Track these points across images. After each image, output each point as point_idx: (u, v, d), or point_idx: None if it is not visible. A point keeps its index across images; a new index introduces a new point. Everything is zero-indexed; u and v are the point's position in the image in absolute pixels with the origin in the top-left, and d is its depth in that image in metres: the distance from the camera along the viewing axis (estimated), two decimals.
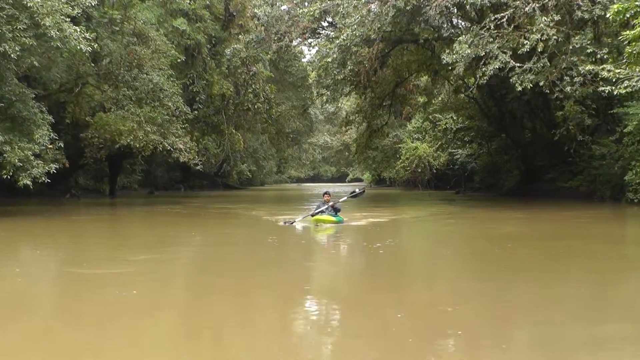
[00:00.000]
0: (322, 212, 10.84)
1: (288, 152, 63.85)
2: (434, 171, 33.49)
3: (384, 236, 9.40)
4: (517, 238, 8.82)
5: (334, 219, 10.66)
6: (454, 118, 29.47)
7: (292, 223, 10.49)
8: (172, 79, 21.00)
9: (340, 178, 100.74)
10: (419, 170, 32.78)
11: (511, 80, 13.82)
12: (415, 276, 5.89)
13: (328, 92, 22.13)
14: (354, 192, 12.35)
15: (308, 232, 9.91)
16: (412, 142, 33.85)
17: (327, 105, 30.99)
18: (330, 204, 11.00)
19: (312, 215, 10.86)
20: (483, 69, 13.90)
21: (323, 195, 11.41)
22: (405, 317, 3.89)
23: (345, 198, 11.75)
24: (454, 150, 32.01)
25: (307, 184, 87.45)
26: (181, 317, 4.00)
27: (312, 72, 24.61)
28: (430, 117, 29.75)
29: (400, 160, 34.13)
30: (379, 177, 59.51)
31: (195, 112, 24.95)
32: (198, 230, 10.88)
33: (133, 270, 5.65)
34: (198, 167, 23.45)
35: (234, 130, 29.50)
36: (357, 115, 28.66)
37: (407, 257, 7.38)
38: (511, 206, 16.68)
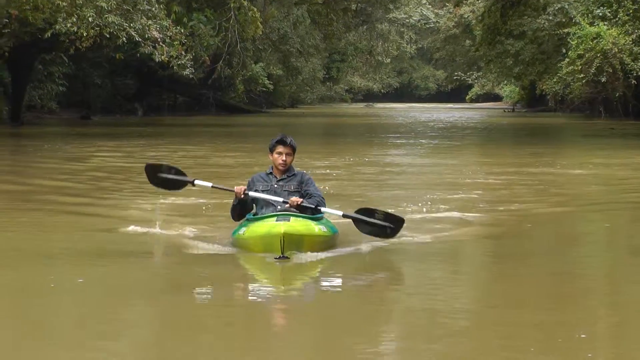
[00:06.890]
0: (268, 215, 8.40)
1: (347, 39, 65.01)
2: (633, 83, 34.80)
3: None
4: None
5: (320, 229, 8.57)
6: None
7: (212, 186, 9.17)
8: None
9: (454, 94, 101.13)
10: (603, 79, 34.19)
11: None
12: None
13: None
14: (372, 211, 9.05)
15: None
16: (592, 26, 35.17)
17: None
18: (290, 183, 8.73)
19: (236, 215, 8.92)
20: None
21: (271, 152, 8.85)
22: None
23: (341, 214, 9.07)
24: None
25: (386, 105, 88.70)
26: None
27: None
28: None
29: (567, 60, 35.68)
30: (533, 92, 61.03)
31: None
32: None
33: None
34: (186, 73, 25.82)
35: (245, 2, 31.65)
36: None
37: None
38: None
